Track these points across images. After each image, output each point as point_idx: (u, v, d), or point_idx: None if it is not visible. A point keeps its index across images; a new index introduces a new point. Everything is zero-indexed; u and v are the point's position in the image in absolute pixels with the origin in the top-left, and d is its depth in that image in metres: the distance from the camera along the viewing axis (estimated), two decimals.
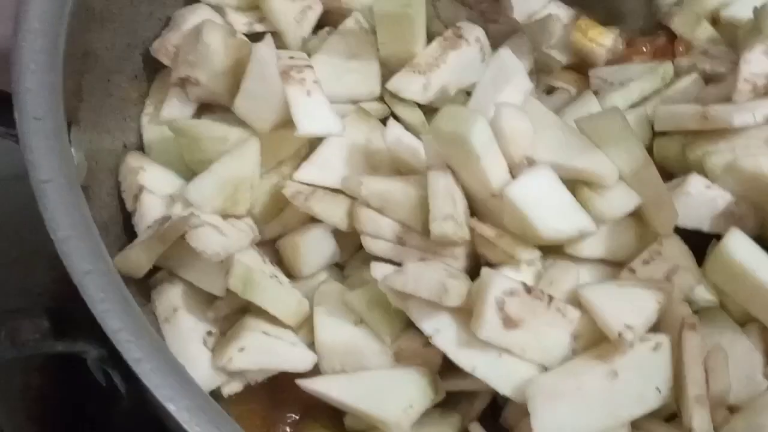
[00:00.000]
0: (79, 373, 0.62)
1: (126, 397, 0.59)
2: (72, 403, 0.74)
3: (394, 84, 0.74)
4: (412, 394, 0.65)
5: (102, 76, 0.72)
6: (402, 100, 0.74)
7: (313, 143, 0.71)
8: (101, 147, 0.72)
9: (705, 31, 0.82)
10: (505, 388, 0.63)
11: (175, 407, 0.48)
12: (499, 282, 0.62)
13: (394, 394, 0.64)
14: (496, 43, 0.77)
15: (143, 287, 0.68)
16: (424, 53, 0.75)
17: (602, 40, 0.82)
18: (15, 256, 0.72)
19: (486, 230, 0.65)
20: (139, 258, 0.65)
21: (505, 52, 0.74)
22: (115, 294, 0.51)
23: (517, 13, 0.80)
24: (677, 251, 0.69)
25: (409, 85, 0.74)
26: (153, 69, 0.77)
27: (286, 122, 0.70)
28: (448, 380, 0.66)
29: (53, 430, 0.74)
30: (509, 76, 0.73)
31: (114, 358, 0.55)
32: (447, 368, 0.65)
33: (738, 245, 0.67)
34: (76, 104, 0.67)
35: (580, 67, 0.83)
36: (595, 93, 0.78)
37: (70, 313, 0.55)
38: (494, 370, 0.63)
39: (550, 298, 0.63)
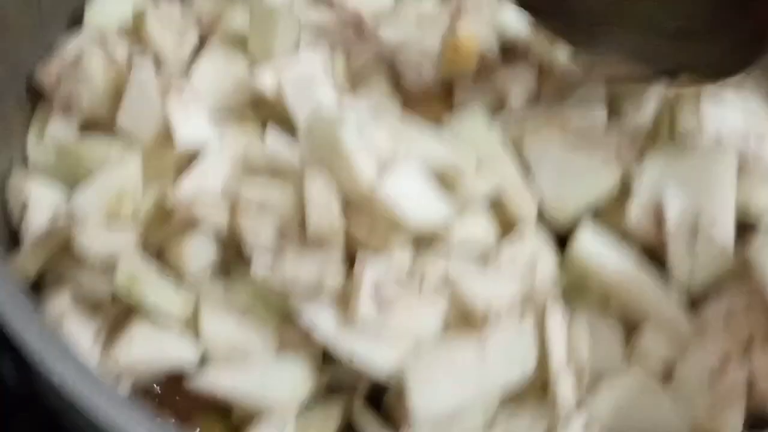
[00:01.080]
0: None
1: (15, 385, 0.60)
2: None
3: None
4: (296, 381, 0.68)
5: None
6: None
7: (194, 155, 0.74)
8: None
9: None
10: (381, 372, 0.66)
11: (59, 376, 0.50)
12: (372, 267, 0.66)
13: (277, 382, 0.68)
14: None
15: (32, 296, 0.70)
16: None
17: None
18: None
19: (359, 225, 0.69)
20: (25, 264, 0.68)
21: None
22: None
23: None
24: (539, 238, 0.74)
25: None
26: (37, 93, 0.80)
27: (167, 137, 0.74)
28: (331, 366, 0.69)
29: None
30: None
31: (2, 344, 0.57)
32: (330, 355, 0.68)
33: (589, 242, 0.72)
34: None
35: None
36: None
37: None
38: (371, 355, 0.66)
39: (422, 282, 0.68)
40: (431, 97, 0.84)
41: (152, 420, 0.52)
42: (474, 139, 0.74)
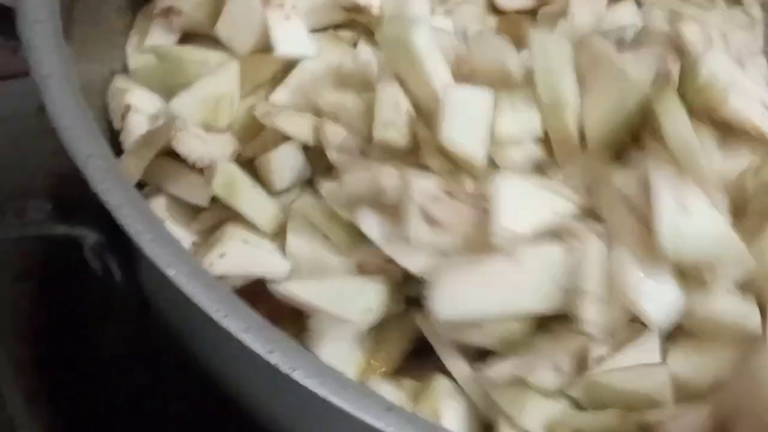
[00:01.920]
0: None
1: (121, 283, 0.63)
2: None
3: None
4: (371, 300, 0.68)
5: (90, 8, 0.77)
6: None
7: (290, 67, 0.76)
8: (89, 74, 0.76)
9: None
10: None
11: (174, 272, 0.53)
12: (419, 186, 0.66)
13: (355, 298, 0.68)
14: None
15: None
16: None
17: None
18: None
19: (424, 131, 0.68)
20: (129, 167, 0.70)
21: None
22: (114, 175, 0.56)
23: None
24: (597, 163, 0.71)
25: None
26: (138, 0, 0.82)
27: (265, 46, 0.76)
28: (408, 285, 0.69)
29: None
30: None
31: (112, 243, 0.60)
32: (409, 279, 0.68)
33: None
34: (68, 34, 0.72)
35: None
36: None
37: (72, 199, 0.59)
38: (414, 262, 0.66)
39: (474, 199, 0.66)
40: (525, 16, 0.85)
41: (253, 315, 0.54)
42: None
